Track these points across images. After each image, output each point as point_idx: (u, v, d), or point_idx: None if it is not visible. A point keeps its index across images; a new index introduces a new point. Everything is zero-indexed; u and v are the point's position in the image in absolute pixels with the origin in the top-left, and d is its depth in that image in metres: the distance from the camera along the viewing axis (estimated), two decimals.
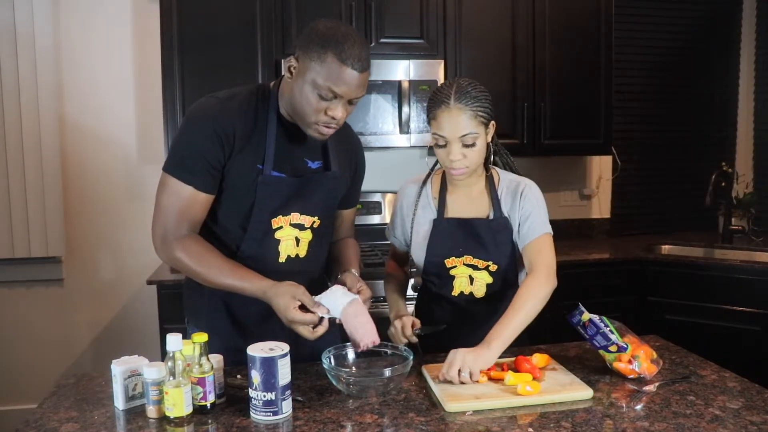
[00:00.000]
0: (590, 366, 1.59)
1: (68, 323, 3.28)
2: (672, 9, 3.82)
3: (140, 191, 3.26)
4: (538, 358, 1.54)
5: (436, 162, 1.73)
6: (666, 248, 3.57)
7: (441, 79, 3.11)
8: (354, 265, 1.66)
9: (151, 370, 1.30)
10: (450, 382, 1.44)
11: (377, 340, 1.46)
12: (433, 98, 1.61)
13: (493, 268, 1.69)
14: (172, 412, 1.28)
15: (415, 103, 3.08)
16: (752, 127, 4.00)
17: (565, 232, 3.67)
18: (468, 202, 1.73)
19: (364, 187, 1.86)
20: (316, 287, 1.56)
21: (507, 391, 1.41)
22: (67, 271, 3.26)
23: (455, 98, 1.57)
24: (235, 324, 1.63)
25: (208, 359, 1.34)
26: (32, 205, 3.09)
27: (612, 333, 1.51)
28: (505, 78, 3.25)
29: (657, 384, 1.47)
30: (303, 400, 1.39)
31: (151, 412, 1.31)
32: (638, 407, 1.37)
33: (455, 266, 1.71)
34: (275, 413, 1.29)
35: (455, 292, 1.72)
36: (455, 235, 1.71)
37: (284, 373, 1.30)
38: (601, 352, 1.54)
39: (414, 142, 3.12)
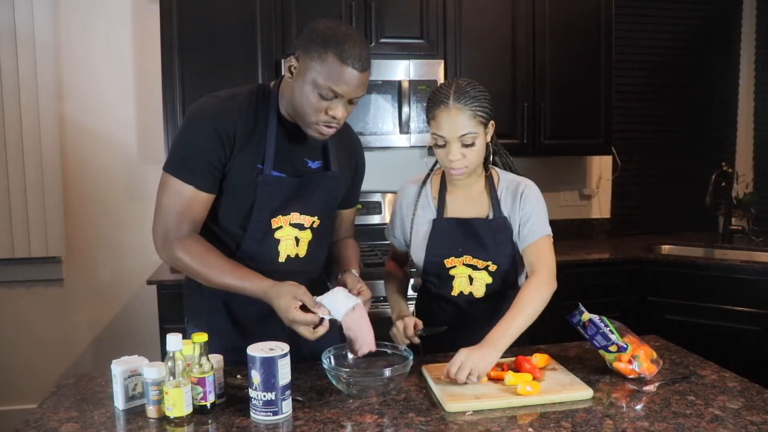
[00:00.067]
0: (590, 366, 1.59)
1: (68, 323, 3.28)
2: (672, 9, 3.82)
3: (140, 191, 3.26)
4: (538, 358, 1.55)
5: (436, 162, 1.73)
6: (666, 248, 3.57)
7: (441, 79, 3.11)
8: (354, 266, 1.66)
9: (151, 370, 1.30)
10: (450, 381, 1.44)
11: (374, 349, 1.48)
12: (432, 98, 1.61)
13: (493, 268, 1.69)
14: (172, 412, 1.28)
15: (415, 103, 3.08)
16: (752, 127, 4.00)
17: (565, 232, 3.67)
18: (467, 202, 1.73)
19: (364, 187, 1.86)
20: (316, 287, 1.56)
21: (507, 391, 1.41)
22: (67, 271, 3.26)
23: (454, 98, 1.57)
24: (235, 324, 1.63)
25: (208, 359, 1.34)
26: (32, 205, 3.09)
27: (612, 333, 1.51)
28: (505, 78, 3.25)
29: (657, 384, 1.47)
30: (303, 400, 1.39)
31: (151, 412, 1.31)
32: (638, 407, 1.37)
33: (455, 266, 1.71)
34: (275, 413, 1.29)
35: (455, 292, 1.72)
36: (455, 235, 1.71)
37: (284, 373, 1.30)
38: (601, 352, 1.54)
39: (414, 142, 3.12)
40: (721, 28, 3.93)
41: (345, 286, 1.54)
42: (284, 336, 1.41)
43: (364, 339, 1.46)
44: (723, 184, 3.50)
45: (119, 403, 1.36)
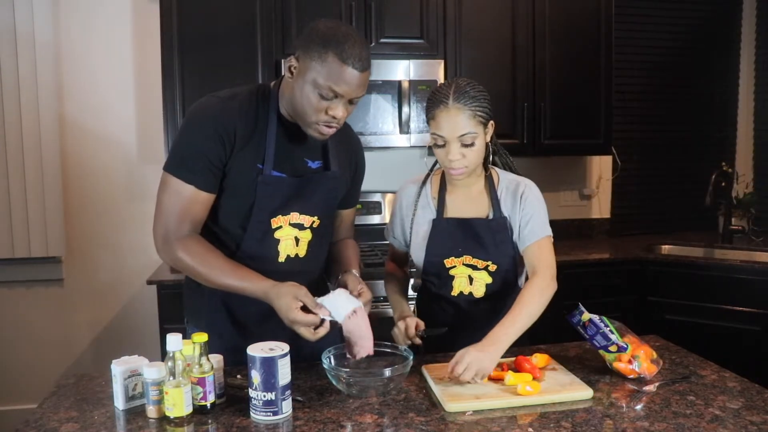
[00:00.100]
0: (590, 366, 1.59)
1: (68, 323, 3.28)
2: (672, 9, 3.82)
3: (140, 191, 3.26)
4: (538, 358, 1.55)
5: (436, 162, 1.73)
6: (666, 248, 3.57)
7: (441, 79, 3.11)
8: (355, 266, 1.66)
9: (151, 370, 1.30)
10: (450, 380, 1.44)
11: (372, 353, 1.48)
12: (431, 98, 1.61)
13: (493, 268, 1.69)
14: (172, 412, 1.28)
15: (415, 103, 3.08)
16: (752, 127, 4.00)
17: (565, 232, 3.67)
18: (467, 202, 1.73)
19: (364, 187, 1.86)
20: (316, 287, 1.56)
21: (507, 391, 1.41)
22: (67, 271, 3.26)
23: (454, 98, 1.57)
24: (235, 324, 1.63)
25: (208, 359, 1.34)
26: (32, 205, 3.09)
27: (612, 333, 1.51)
28: (505, 78, 3.25)
29: (657, 384, 1.47)
30: (303, 400, 1.39)
31: (151, 412, 1.31)
32: (638, 407, 1.37)
33: (454, 266, 1.71)
34: (275, 413, 1.29)
35: (455, 292, 1.72)
36: (454, 235, 1.71)
37: (284, 373, 1.30)
38: (601, 352, 1.54)
39: (414, 142, 3.12)
40: (721, 28, 3.93)
41: (346, 286, 1.54)
42: (284, 336, 1.41)
43: (363, 343, 1.46)
44: (723, 184, 3.50)
45: (119, 403, 1.36)
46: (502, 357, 1.49)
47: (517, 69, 3.26)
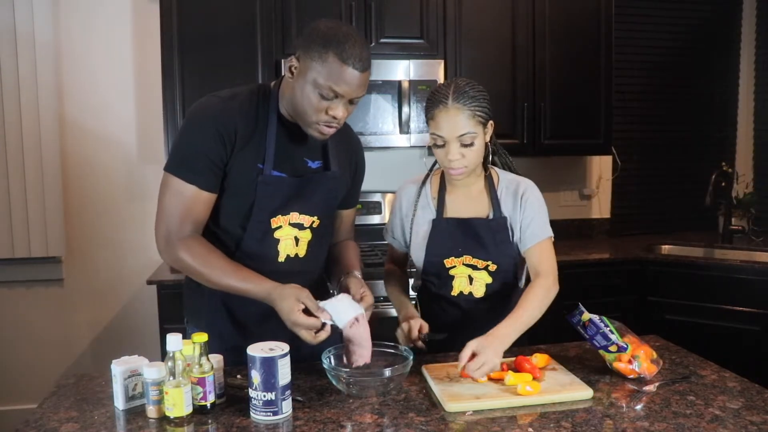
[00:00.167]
0: (590, 366, 1.59)
1: (68, 323, 3.28)
2: (672, 9, 3.82)
3: (140, 191, 3.26)
4: (538, 358, 1.55)
5: (435, 162, 1.73)
6: (666, 248, 3.57)
7: (441, 79, 3.11)
8: (356, 269, 1.66)
9: (151, 370, 1.30)
10: (450, 380, 1.44)
11: (369, 362, 1.47)
12: (431, 98, 1.61)
13: (493, 268, 1.69)
14: (172, 412, 1.28)
15: (415, 103, 3.08)
16: (752, 127, 4.00)
17: (565, 232, 3.67)
18: (467, 202, 1.73)
19: (364, 187, 1.86)
20: (316, 288, 1.56)
21: (507, 391, 1.41)
22: (67, 271, 3.26)
23: (453, 98, 1.57)
24: (235, 324, 1.62)
25: (208, 359, 1.34)
26: (32, 205, 3.09)
27: (612, 333, 1.51)
28: (505, 78, 3.25)
29: (657, 384, 1.47)
30: (303, 400, 1.39)
31: (151, 412, 1.31)
32: (638, 407, 1.37)
33: (454, 266, 1.71)
34: (275, 413, 1.29)
35: (454, 292, 1.72)
36: (454, 235, 1.71)
37: (284, 373, 1.30)
38: (601, 352, 1.54)
39: (414, 142, 3.12)
40: (721, 28, 3.93)
41: (348, 289, 1.54)
42: (284, 336, 1.41)
43: (362, 352, 1.46)
44: (723, 184, 3.50)
45: (119, 403, 1.36)
46: (503, 357, 1.49)
47: (517, 69, 3.26)
